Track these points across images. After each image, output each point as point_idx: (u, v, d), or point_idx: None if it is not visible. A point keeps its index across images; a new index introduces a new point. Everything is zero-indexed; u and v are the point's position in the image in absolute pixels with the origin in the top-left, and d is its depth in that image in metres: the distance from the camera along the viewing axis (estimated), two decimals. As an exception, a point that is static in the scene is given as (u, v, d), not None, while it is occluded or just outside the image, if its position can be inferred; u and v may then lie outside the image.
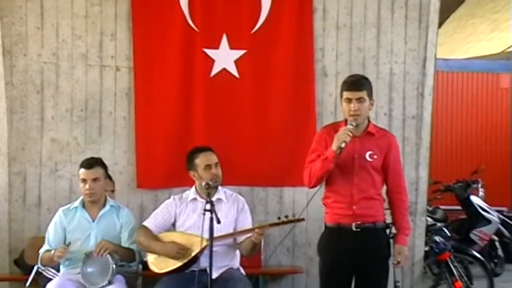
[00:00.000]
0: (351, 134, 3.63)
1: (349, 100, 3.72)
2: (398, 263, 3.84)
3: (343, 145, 3.62)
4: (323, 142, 3.80)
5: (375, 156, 3.77)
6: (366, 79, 3.87)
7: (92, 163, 4.34)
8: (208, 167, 4.18)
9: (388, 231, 3.89)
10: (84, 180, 4.29)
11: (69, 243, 4.17)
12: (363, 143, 3.78)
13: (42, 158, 5.35)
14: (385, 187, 3.90)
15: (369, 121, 3.85)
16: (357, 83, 3.77)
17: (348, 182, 3.75)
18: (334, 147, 3.64)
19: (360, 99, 3.71)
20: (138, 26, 5.32)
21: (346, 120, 3.78)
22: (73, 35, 5.36)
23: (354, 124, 3.69)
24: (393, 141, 3.89)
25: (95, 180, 4.28)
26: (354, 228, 3.75)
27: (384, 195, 3.89)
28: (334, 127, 3.83)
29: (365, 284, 3.81)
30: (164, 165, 5.33)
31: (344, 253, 3.75)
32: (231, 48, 5.37)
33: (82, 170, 4.31)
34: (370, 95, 3.77)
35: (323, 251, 3.89)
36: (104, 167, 4.41)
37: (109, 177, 4.89)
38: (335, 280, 3.80)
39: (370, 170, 3.76)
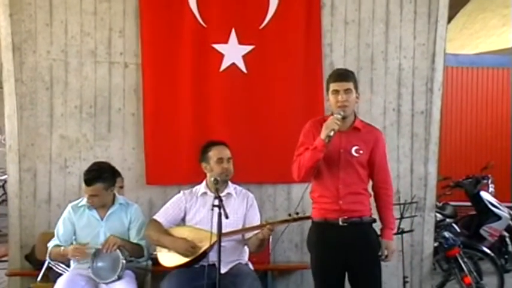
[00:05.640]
0: (339, 123, 3.63)
1: (337, 91, 3.73)
2: (386, 257, 3.83)
3: (331, 133, 3.61)
4: (310, 135, 3.80)
5: (361, 151, 3.77)
6: (352, 72, 3.90)
7: (90, 179, 4.24)
8: (220, 160, 4.22)
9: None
10: (85, 191, 4.30)
11: (87, 244, 4.20)
12: (349, 138, 3.78)
13: (52, 155, 5.38)
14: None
15: (355, 116, 3.86)
16: (343, 75, 3.81)
17: (334, 176, 3.75)
18: (322, 135, 3.64)
19: (347, 90, 3.73)
20: (146, 22, 5.33)
21: (332, 114, 3.77)
22: (82, 32, 5.38)
23: (342, 113, 3.70)
24: (379, 137, 3.90)
25: (93, 196, 4.28)
26: (340, 223, 3.74)
27: (371, 191, 3.88)
28: (321, 120, 3.81)
29: (358, 279, 3.79)
30: (173, 161, 5.33)
31: (332, 248, 3.74)
32: (240, 43, 5.37)
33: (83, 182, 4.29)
34: (356, 87, 3.80)
35: (312, 247, 3.88)
36: (106, 178, 4.28)
37: (118, 173, 4.92)
38: (327, 275, 3.79)
39: (356, 165, 3.76)
